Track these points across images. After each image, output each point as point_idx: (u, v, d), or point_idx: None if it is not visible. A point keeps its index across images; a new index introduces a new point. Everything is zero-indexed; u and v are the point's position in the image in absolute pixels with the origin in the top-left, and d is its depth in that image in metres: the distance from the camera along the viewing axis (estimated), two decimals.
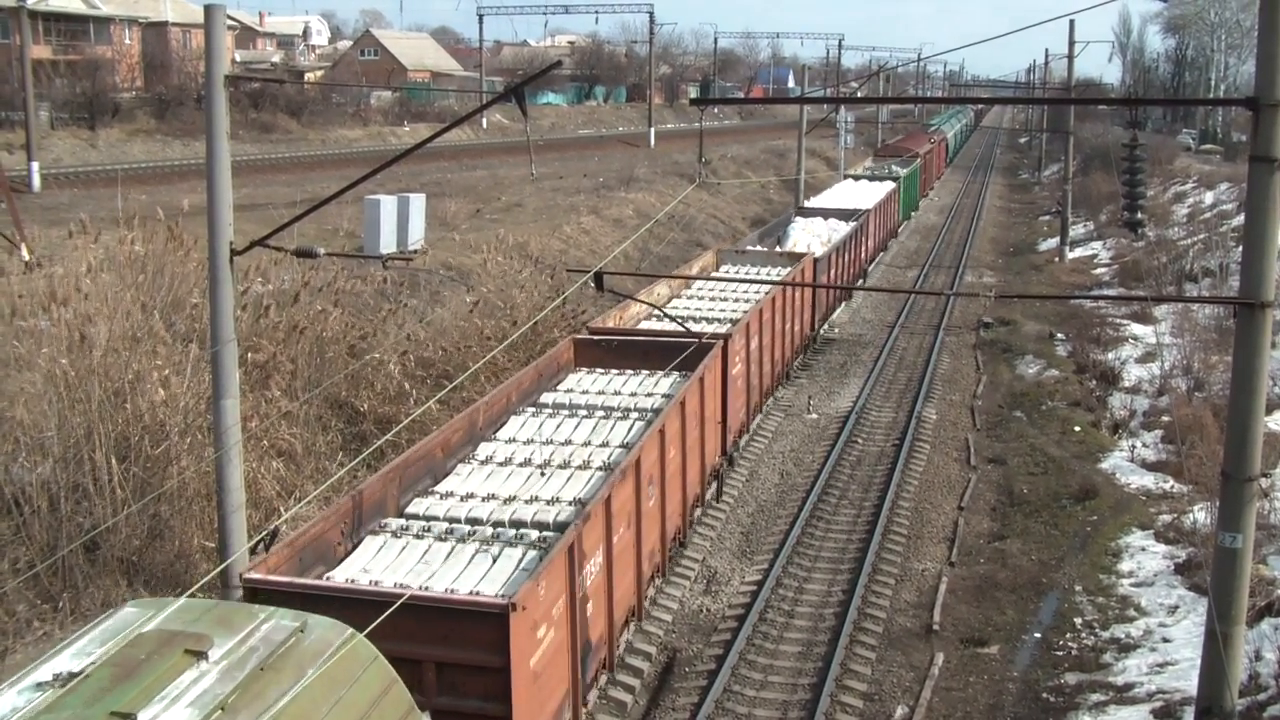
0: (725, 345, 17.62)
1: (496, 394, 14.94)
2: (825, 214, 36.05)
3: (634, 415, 15.06)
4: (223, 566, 11.48)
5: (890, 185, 45.13)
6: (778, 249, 30.90)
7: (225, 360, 11.97)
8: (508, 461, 13.28)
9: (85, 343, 14.16)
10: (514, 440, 14.07)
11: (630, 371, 17.20)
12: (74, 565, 12.95)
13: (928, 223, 54.53)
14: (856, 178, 48.86)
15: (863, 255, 35.15)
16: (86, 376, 13.83)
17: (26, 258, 22.40)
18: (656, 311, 20.40)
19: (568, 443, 14.00)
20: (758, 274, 26.19)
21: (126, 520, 13.30)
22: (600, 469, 12.93)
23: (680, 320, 19.18)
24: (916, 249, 46.87)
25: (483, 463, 13.28)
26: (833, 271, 29.28)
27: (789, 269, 25.88)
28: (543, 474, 12.90)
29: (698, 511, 16.74)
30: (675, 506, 14.91)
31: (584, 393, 16.25)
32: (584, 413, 15.23)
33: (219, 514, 12.30)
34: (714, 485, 17.83)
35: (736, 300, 22.83)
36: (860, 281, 34.93)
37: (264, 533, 10.96)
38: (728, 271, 26.58)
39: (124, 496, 13.44)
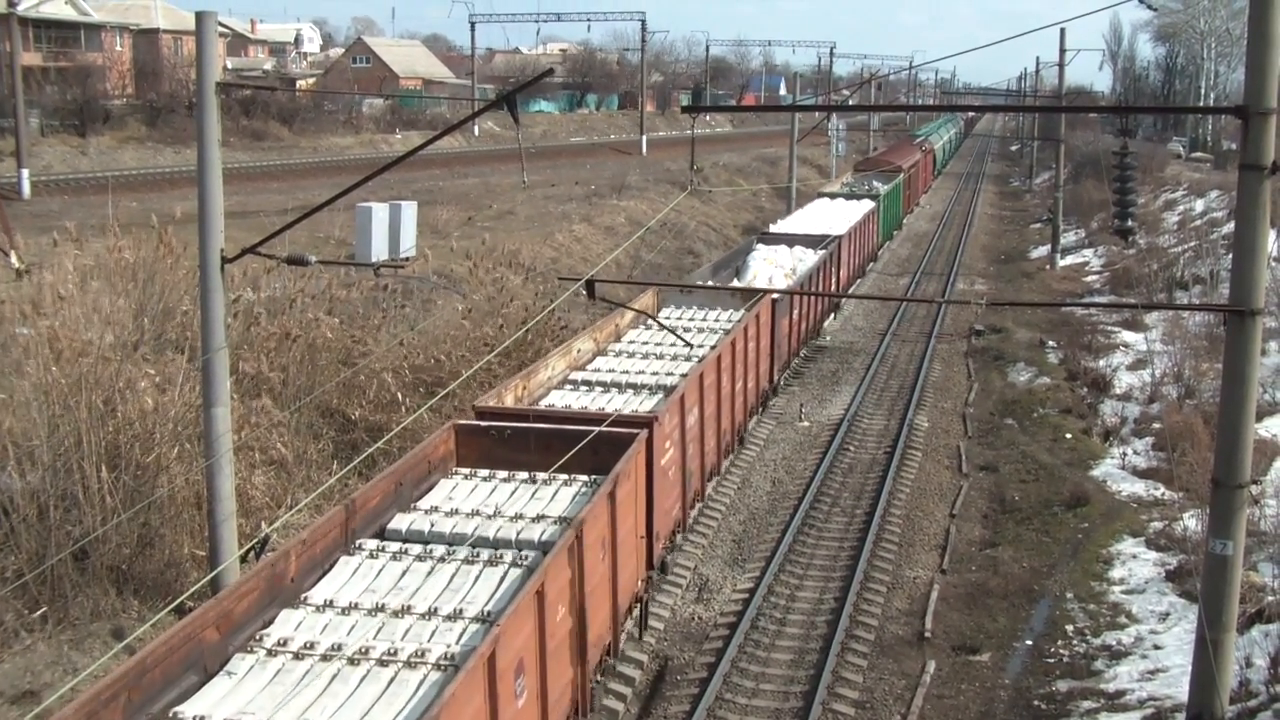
0: (651, 431, 13.57)
1: (324, 522, 10.47)
2: (791, 240, 31.54)
3: (507, 560, 10.49)
4: (213, 574, 11.46)
5: (869, 205, 41.01)
6: (736, 282, 27.23)
7: (216, 368, 11.97)
8: (309, 649, 8.81)
9: (71, 351, 14.10)
10: (331, 605, 9.64)
11: (523, 476, 12.76)
12: (63, 574, 12.86)
13: (919, 230, 54.65)
14: (833, 196, 44.83)
15: (834, 287, 30.63)
16: (76, 385, 13.78)
17: (16, 265, 22.36)
18: (572, 378, 17.06)
19: (405, 611, 9.50)
20: (705, 318, 22.03)
21: (116, 529, 13.23)
22: (439, 666, 8.63)
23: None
24: (908, 256, 46.96)
25: (271, 653, 8.79)
26: (796, 311, 25.84)
27: (743, 311, 21.41)
28: (356, 670, 8.57)
29: (610, 660, 12.61)
30: (565, 682, 10.61)
31: (451, 513, 11.78)
32: (443, 551, 10.70)
33: (209, 523, 12.29)
34: (637, 610, 13.81)
35: (674, 357, 18.43)
36: (832, 316, 32.66)
37: (254, 541, 10.93)
38: (669, 316, 21.79)
39: (114, 505, 13.37)
